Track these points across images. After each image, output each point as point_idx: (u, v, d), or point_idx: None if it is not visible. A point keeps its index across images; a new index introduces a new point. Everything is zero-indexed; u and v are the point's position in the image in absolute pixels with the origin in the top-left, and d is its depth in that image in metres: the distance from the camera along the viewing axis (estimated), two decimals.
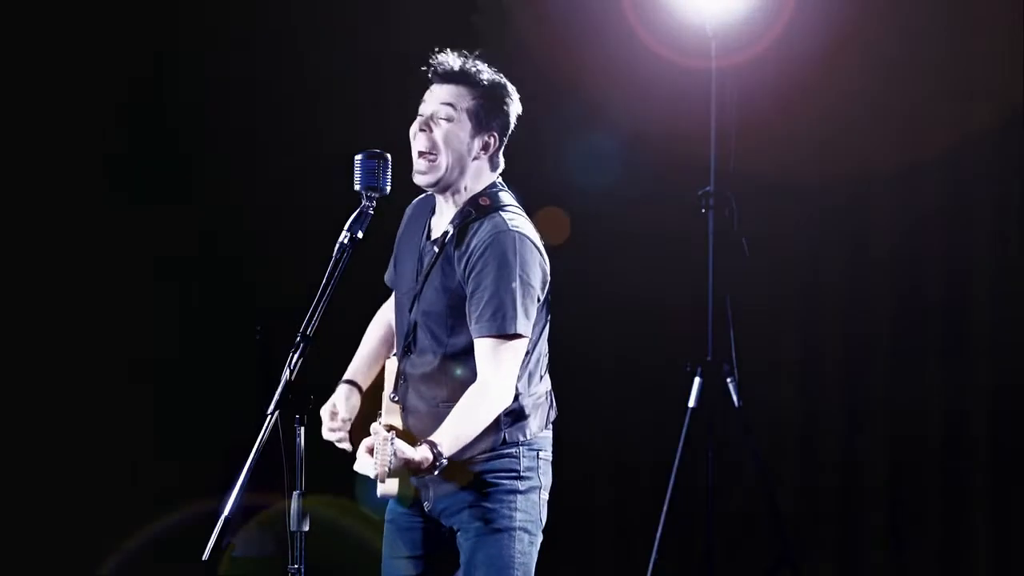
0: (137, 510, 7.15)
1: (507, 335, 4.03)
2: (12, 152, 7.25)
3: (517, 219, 4.14)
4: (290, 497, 3.84)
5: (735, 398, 6.54)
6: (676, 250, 7.12)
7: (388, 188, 4.08)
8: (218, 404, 7.36)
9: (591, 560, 7.46)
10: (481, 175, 4.19)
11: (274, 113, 7.41)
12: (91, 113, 7.33)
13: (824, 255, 7.20)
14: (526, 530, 4.15)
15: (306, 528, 3.85)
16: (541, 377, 4.21)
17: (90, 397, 7.30)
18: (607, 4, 7.17)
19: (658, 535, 6.45)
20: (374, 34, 7.16)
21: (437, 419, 4.03)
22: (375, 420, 4.19)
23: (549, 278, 4.17)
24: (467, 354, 4.09)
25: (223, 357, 7.44)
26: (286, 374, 3.86)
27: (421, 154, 4.16)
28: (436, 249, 4.17)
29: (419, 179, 4.18)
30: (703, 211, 6.65)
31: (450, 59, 4.17)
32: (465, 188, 4.18)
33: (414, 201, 4.37)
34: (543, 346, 4.21)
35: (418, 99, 4.23)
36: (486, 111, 4.16)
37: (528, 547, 4.15)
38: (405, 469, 3.91)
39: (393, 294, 4.38)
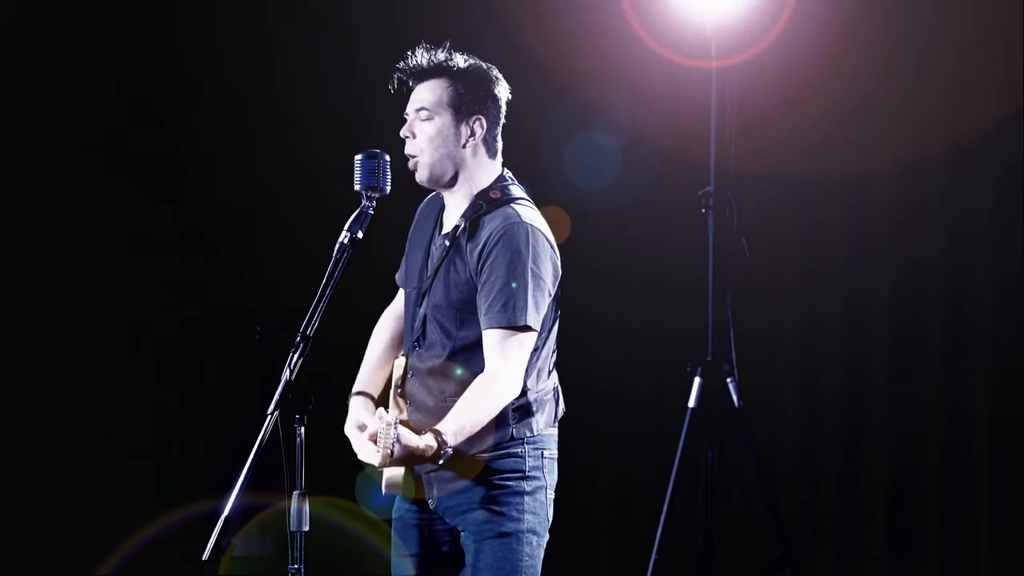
0: (137, 510, 7.15)
1: (517, 327, 4.00)
2: (12, 152, 7.25)
3: (530, 212, 4.12)
4: (290, 497, 3.83)
5: (735, 398, 6.54)
6: (676, 250, 7.13)
7: (388, 188, 4.08)
8: (218, 404, 7.37)
9: (591, 559, 7.46)
10: (482, 164, 4.17)
11: (274, 113, 7.42)
12: (91, 113, 7.34)
13: (824, 255, 7.20)
14: (533, 531, 4.12)
15: (306, 528, 3.84)
16: (549, 373, 4.19)
17: (90, 397, 7.31)
18: (607, 4, 7.17)
19: (658, 535, 6.45)
20: (374, 34, 7.15)
21: (443, 413, 4.00)
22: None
23: (560, 273, 4.14)
24: (475, 348, 4.07)
25: (223, 357, 7.44)
26: (286, 374, 3.85)
27: (409, 157, 4.17)
28: (447, 243, 4.15)
29: (417, 179, 4.19)
30: (703, 211, 6.65)
31: (417, 57, 4.16)
32: (470, 180, 4.16)
33: (425, 199, 4.35)
34: (552, 342, 4.18)
35: None
36: (465, 96, 4.14)
37: (536, 549, 4.12)
38: (409, 457, 3.88)
39: (400, 293, 4.37)
